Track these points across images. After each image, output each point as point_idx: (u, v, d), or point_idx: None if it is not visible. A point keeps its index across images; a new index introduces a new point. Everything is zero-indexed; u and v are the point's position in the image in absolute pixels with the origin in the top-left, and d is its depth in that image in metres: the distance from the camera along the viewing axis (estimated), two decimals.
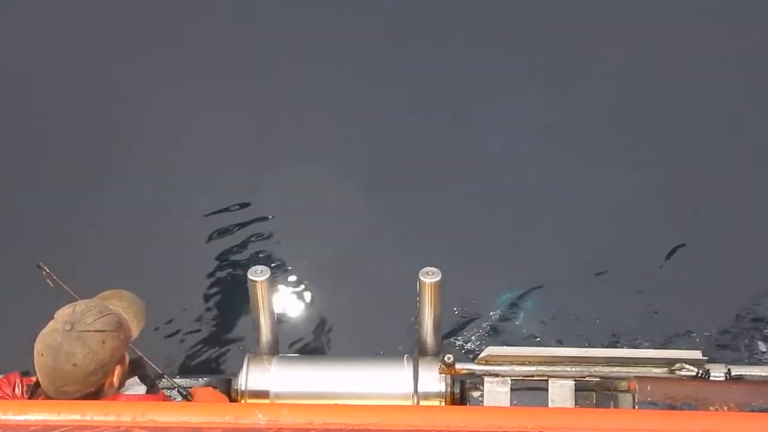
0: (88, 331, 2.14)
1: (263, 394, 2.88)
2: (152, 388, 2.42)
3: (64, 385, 2.14)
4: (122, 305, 2.35)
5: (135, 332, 2.35)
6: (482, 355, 2.74)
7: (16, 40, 4.93)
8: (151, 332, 3.80)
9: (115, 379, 2.24)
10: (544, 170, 4.54)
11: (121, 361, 2.25)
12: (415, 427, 1.69)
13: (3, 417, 1.79)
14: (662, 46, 4.86)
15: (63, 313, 2.19)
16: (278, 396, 2.87)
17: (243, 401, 2.84)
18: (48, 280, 2.65)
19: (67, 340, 2.12)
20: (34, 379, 2.30)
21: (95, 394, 2.20)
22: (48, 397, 2.19)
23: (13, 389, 2.31)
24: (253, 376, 2.88)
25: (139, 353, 2.62)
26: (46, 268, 2.66)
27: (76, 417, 1.79)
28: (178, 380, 2.93)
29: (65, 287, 2.62)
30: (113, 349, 2.18)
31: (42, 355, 2.14)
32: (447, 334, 3.94)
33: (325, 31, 4.92)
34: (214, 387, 2.93)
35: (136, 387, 2.38)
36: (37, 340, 2.18)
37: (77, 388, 2.16)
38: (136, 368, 2.45)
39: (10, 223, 4.32)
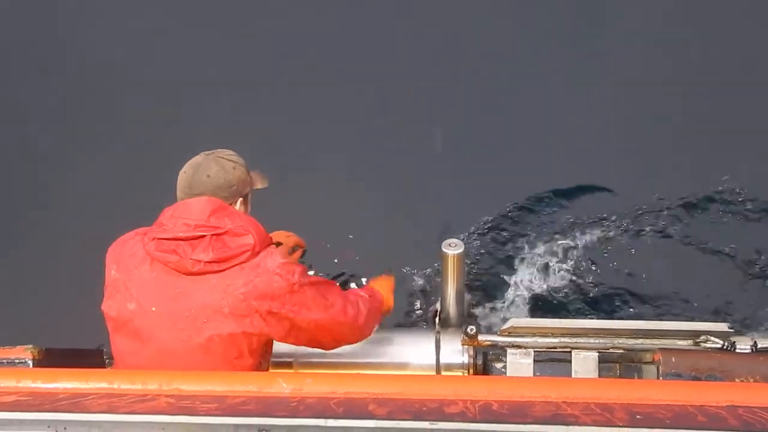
0: (223, 158, 2.54)
1: (286, 365, 2.90)
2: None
3: (199, 192, 2.46)
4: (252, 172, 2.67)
5: (257, 185, 2.67)
6: (505, 326, 2.73)
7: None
8: None
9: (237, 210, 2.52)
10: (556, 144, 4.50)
11: (244, 197, 2.57)
12: (438, 397, 1.70)
13: (33, 385, 1.83)
14: None
15: (203, 151, 2.58)
16: (301, 366, 2.90)
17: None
18: None
19: (207, 159, 2.53)
20: None
21: None
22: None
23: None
24: (277, 347, 2.89)
25: None
26: None
27: (104, 385, 1.83)
28: None
29: None
30: (240, 178, 2.53)
31: (185, 172, 2.51)
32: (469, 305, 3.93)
33: (329, 21, 4.91)
34: None
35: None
36: (182, 169, 2.54)
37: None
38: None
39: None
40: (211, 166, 2.51)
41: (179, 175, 2.53)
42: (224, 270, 2.33)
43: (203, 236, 2.35)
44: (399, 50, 4.76)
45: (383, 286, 2.84)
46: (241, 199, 2.54)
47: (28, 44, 4.92)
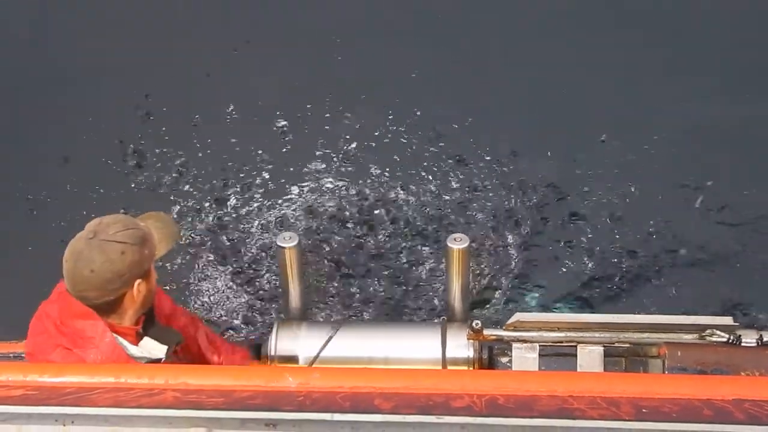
0: (109, 240, 2.21)
1: (292, 360, 2.90)
2: (171, 356, 2.37)
3: (83, 290, 2.21)
4: (155, 225, 2.38)
5: (161, 252, 2.36)
6: (510, 320, 2.73)
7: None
8: (179, 299, 3.86)
9: (136, 293, 2.27)
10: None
11: (143, 276, 2.28)
12: (444, 391, 1.70)
13: (40, 379, 1.84)
14: None
15: (91, 224, 2.27)
16: (307, 361, 2.90)
17: None
18: None
19: (88, 247, 2.20)
20: None
21: (114, 303, 2.25)
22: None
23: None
24: (282, 342, 2.90)
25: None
26: None
27: (111, 380, 1.83)
28: None
29: None
30: (132, 261, 2.23)
31: (66, 260, 2.23)
32: (474, 300, 3.94)
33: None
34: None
35: (154, 348, 2.33)
36: (66, 248, 2.25)
37: (95, 295, 2.22)
38: (152, 326, 2.40)
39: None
40: (94, 258, 2.18)
41: (63, 260, 2.24)
42: None
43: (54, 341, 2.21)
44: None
45: None
46: (138, 280, 2.26)
47: None
